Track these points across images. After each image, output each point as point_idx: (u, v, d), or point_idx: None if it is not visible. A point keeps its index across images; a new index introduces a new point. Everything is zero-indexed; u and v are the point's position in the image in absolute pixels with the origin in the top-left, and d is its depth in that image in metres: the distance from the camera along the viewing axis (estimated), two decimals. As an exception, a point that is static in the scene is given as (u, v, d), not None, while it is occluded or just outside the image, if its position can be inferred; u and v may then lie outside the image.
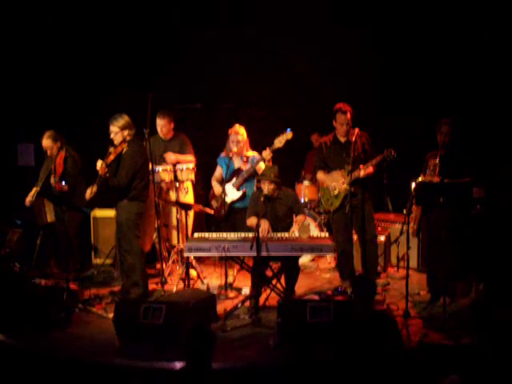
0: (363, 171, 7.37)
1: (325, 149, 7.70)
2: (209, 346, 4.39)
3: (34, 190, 8.23)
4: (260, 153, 7.85)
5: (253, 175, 7.90)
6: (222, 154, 8.15)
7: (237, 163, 8.03)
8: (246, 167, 7.94)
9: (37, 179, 8.38)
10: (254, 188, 7.94)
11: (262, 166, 7.78)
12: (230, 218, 7.97)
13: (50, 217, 8.57)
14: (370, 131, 7.67)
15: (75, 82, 9.95)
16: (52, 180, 8.04)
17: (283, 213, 7.39)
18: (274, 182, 7.24)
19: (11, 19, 9.71)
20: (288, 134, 7.64)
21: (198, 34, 10.02)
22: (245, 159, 7.96)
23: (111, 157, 7.23)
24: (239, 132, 7.93)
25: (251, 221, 7.28)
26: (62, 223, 8.17)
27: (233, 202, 7.95)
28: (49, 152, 8.17)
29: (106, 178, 7.20)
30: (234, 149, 7.91)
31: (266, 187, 7.22)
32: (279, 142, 7.65)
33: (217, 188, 8.10)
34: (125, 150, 7.30)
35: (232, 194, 7.94)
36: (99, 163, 7.16)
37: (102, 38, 9.88)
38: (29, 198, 8.23)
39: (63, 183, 8.02)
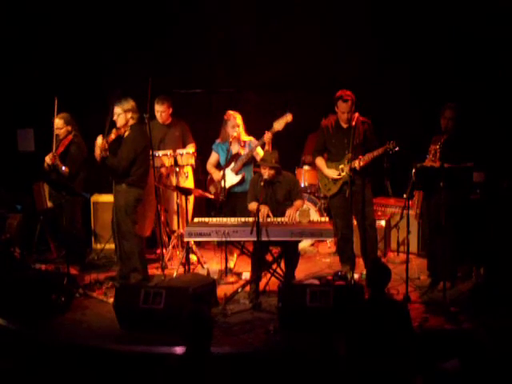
0: (361, 162, 7.34)
1: (326, 132, 7.67)
2: (207, 330, 4.39)
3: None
4: (258, 138, 7.83)
5: (251, 160, 7.90)
6: (218, 140, 8.12)
7: (234, 148, 8.00)
8: (244, 152, 7.91)
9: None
10: (252, 173, 7.94)
11: (259, 150, 7.77)
12: (230, 202, 7.95)
13: (50, 202, 8.55)
14: (370, 114, 7.63)
15: (76, 68, 9.91)
16: (51, 153, 7.95)
17: (283, 196, 7.38)
18: (274, 168, 7.23)
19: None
20: (288, 117, 7.61)
21: (198, 18, 9.99)
22: (242, 144, 7.94)
23: (112, 136, 7.23)
24: (236, 117, 7.91)
25: (252, 206, 7.28)
26: (60, 209, 8.16)
27: (231, 187, 7.93)
28: (57, 132, 8.09)
29: (105, 156, 7.19)
30: (235, 133, 7.88)
31: (267, 172, 7.22)
32: (279, 124, 7.62)
33: (216, 174, 8.06)
34: (127, 133, 7.30)
35: (231, 178, 7.91)
36: (99, 139, 7.14)
37: (103, 22, 9.82)
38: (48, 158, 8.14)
39: (63, 168, 7.97)
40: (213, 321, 4.55)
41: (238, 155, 7.93)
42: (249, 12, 9.91)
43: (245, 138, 7.98)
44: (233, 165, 7.91)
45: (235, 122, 7.88)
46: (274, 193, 7.37)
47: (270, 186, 7.33)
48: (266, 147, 7.71)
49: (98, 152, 7.29)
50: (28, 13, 9.72)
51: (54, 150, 7.92)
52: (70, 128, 8.10)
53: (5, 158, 9.89)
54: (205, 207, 9.40)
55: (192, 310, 4.50)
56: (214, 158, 8.16)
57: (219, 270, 7.83)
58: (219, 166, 8.10)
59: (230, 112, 7.97)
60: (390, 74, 9.64)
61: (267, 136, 7.64)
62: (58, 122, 8.05)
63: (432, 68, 9.44)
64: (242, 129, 7.94)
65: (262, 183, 7.20)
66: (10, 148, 10.04)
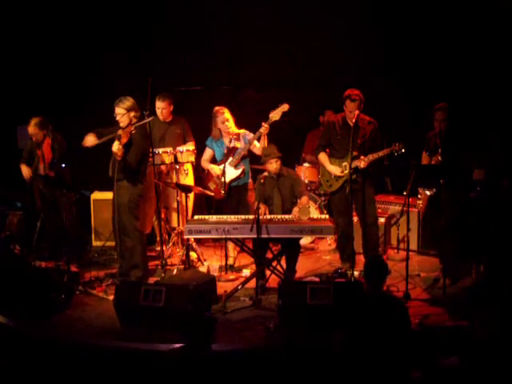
0: (365, 162, 7.34)
1: (332, 128, 7.65)
2: (208, 330, 4.40)
3: (26, 169, 8.25)
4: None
5: (248, 153, 7.90)
6: (211, 137, 8.10)
7: (230, 142, 7.98)
8: (240, 145, 7.88)
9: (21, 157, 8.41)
10: (249, 165, 7.99)
11: (256, 143, 7.78)
12: (232, 197, 7.95)
13: (40, 202, 8.56)
14: (369, 112, 7.64)
15: (74, 64, 9.91)
16: (41, 168, 8.03)
17: (288, 191, 7.46)
18: (280, 158, 7.35)
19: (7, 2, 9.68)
20: (284, 106, 7.57)
21: (198, 16, 9.99)
22: (236, 137, 7.92)
23: (124, 140, 7.19)
24: (224, 111, 7.90)
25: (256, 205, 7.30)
26: (48, 209, 8.17)
27: (232, 181, 7.92)
28: (34, 138, 8.13)
29: (121, 159, 7.18)
30: (235, 130, 7.88)
31: (274, 166, 7.32)
32: (275, 114, 7.57)
33: (215, 169, 8.01)
34: (133, 132, 7.29)
35: (231, 172, 7.90)
36: (116, 145, 7.11)
37: (102, 20, 9.83)
38: (27, 174, 8.24)
39: (62, 165, 8.00)
40: (214, 321, 4.56)
41: (234, 149, 7.91)
42: (249, 10, 9.91)
43: (237, 130, 7.96)
44: (231, 159, 7.89)
45: (223, 116, 7.86)
46: (279, 188, 7.43)
47: (276, 182, 7.43)
48: (262, 138, 7.69)
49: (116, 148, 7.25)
50: (28, 12, 9.72)
51: (43, 167, 8.03)
52: (45, 131, 8.12)
53: (5, 155, 9.89)
54: (205, 204, 9.40)
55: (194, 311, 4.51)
56: (208, 154, 8.13)
57: (219, 267, 7.84)
58: (214, 162, 8.09)
59: (217, 108, 7.96)
60: (388, 71, 9.65)
61: (263, 128, 7.61)
62: (33, 128, 8.10)
63: (432, 64, 9.44)
64: (232, 122, 7.92)
65: (262, 181, 7.24)
66: (9, 145, 10.04)
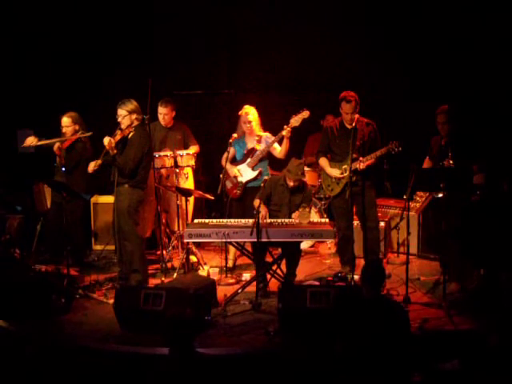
0: (363, 164, 7.35)
1: (330, 133, 7.66)
2: (190, 333, 4.42)
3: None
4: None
5: (267, 155, 7.94)
6: (234, 136, 8.10)
7: (250, 143, 8.00)
8: (260, 147, 7.91)
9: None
10: (268, 169, 8.03)
11: (276, 146, 7.80)
12: (244, 197, 7.97)
13: (50, 201, 8.56)
14: (370, 114, 7.64)
15: (75, 69, 9.93)
16: (56, 144, 8.02)
17: (299, 202, 7.43)
18: (299, 181, 7.36)
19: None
20: (304, 113, 7.60)
21: (199, 19, 10.02)
22: (258, 138, 7.94)
23: (118, 137, 7.23)
24: (249, 112, 7.92)
25: (255, 202, 7.29)
26: (57, 212, 8.17)
27: (249, 182, 7.95)
28: (63, 130, 8.12)
29: (113, 156, 7.19)
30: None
31: (291, 184, 7.34)
32: (296, 121, 7.61)
33: (232, 169, 8.01)
34: (131, 133, 7.30)
35: (247, 173, 7.93)
36: (107, 139, 7.13)
37: (102, 23, 9.85)
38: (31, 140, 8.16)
39: (63, 169, 8.00)
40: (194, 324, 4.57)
41: (253, 150, 7.93)
42: (250, 14, 9.93)
43: (260, 132, 7.98)
44: (249, 160, 7.91)
45: (246, 118, 7.89)
46: (291, 200, 7.44)
47: (290, 194, 7.44)
48: (284, 141, 7.72)
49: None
50: (29, 13, 9.73)
51: (58, 145, 7.99)
52: (77, 127, 8.13)
53: (5, 158, 9.89)
54: (205, 208, 9.41)
55: (174, 314, 4.54)
56: (230, 153, 8.12)
57: (219, 271, 7.83)
58: (234, 161, 8.09)
59: (245, 107, 8.00)
60: (390, 74, 9.65)
61: (286, 131, 7.62)
62: (66, 120, 8.09)
63: (432, 68, 9.45)
64: (255, 124, 7.94)
65: (263, 184, 7.24)
66: (9, 149, 10.05)
